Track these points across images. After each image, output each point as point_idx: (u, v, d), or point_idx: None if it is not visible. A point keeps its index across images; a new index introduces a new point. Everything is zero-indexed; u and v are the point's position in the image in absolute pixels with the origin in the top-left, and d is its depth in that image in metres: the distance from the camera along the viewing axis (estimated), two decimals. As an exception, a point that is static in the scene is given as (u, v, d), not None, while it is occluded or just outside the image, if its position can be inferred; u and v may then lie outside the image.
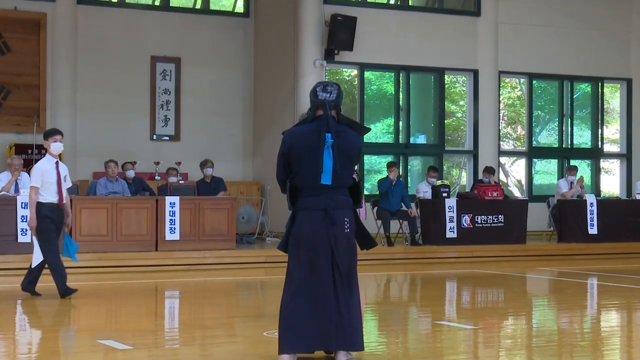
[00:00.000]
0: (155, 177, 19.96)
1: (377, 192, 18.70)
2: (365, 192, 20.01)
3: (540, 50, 22.45)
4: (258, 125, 21.89)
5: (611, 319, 10.67)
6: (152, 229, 16.27)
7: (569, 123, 23.16)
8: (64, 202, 11.60)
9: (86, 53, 20.69)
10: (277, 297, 11.56)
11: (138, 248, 16.11)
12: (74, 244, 12.12)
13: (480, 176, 20.33)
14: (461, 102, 22.93)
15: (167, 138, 21.36)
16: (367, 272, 15.28)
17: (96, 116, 20.75)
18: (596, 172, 23.62)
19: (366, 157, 21.38)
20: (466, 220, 18.42)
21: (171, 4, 21.77)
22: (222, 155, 21.16)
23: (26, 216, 15.41)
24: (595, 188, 23.26)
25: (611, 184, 24.68)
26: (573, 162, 22.47)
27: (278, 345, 7.25)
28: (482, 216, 18.58)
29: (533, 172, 23.25)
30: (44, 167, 11.54)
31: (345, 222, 7.23)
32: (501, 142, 22.67)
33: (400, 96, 21.25)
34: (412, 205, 18.57)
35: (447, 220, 18.23)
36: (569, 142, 23.17)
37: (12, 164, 16.00)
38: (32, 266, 11.85)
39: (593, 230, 19.31)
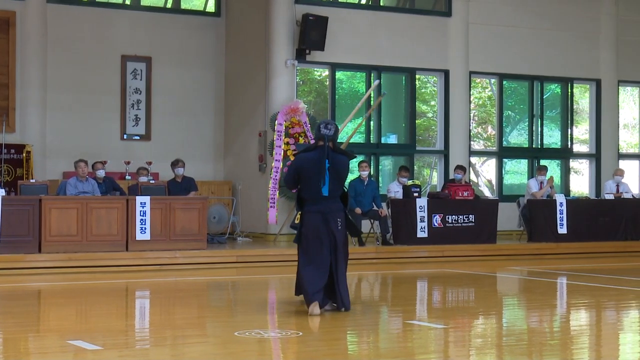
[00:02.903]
0: (126, 177, 19.84)
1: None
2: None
3: (510, 51, 22.54)
4: (229, 125, 21.85)
5: (580, 318, 10.72)
6: (122, 229, 16.20)
7: (539, 123, 23.26)
8: None
9: (56, 52, 20.57)
10: (248, 297, 11.54)
11: (108, 248, 16.03)
12: None
13: (451, 176, 20.38)
14: (432, 102, 22.96)
15: (137, 137, 21.27)
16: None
17: (66, 115, 20.63)
18: (566, 172, 23.74)
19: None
20: (437, 220, 18.46)
21: (142, 3, 21.67)
22: (193, 155, 21.12)
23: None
24: (565, 188, 23.37)
25: (580, 183, 24.82)
26: (543, 162, 22.55)
27: (305, 300, 10.01)
28: (453, 216, 18.63)
29: (503, 172, 23.32)
30: None
31: (338, 222, 10.12)
32: (472, 142, 22.71)
33: (372, 97, 21.26)
34: (383, 205, 18.58)
35: (418, 220, 18.26)
36: (539, 142, 23.26)
37: (-19, 164, 15.90)
38: None
39: (563, 230, 19.40)
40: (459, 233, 18.59)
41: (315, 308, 9.88)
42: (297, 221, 11.94)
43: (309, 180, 10.07)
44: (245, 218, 20.43)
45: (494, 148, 23.21)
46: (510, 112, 23.87)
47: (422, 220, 18.30)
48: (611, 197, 20.51)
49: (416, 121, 22.05)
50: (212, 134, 21.99)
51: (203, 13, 22.21)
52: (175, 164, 18.02)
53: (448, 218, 18.58)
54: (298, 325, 9.26)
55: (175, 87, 21.60)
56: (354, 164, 21.02)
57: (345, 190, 10.42)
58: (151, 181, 18.24)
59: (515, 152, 23.53)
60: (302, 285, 10.12)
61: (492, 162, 23.90)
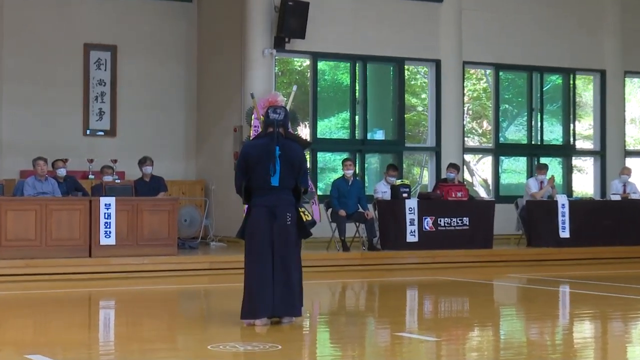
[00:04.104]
0: (89, 176, 19.80)
1: (330, 193, 18.65)
2: (319, 192, 19.98)
3: (507, 39, 22.53)
4: (202, 119, 21.81)
5: (584, 330, 10.75)
6: (85, 233, 16.14)
7: (539, 118, 23.29)
8: None
9: (12, 40, 20.47)
10: (223, 307, 11.54)
11: (70, 254, 15.95)
12: None
13: (443, 175, 20.40)
14: (422, 95, 22.98)
15: (101, 133, 21.21)
16: (321, 279, 15.27)
17: (23, 109, 20.53)
18: (568, 170, 23.78)
19: (319, 154, 21.34)
20: (428, 223, 18.47)
21: (106, -13, 21.64)
22: (162, 153, 21.01)
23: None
24: (567, 188, 23.41)
25: (584, 183, 24.88)
26: (543, 160, 22.61)
27: (247, 310, 9.86)
28: (446, 218, 18.64)
29: (500, 171, 23.35)
30: None
31: (288, 217, 9.97)
32: (466, 139, 22.74)
33: (357, 88, 21.23)
34: (370, 206, 18.58)
35: (408, 223, 18.26)
36: (539, 138, 23.31)
37: None
38: None
39: (565, 234, 19.42)
40: (452, 237, 18.60)
41: (261, 322, 9.82)
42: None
43: (257, 169, 9.93)
44: (219, 221, 20.38)
45: (490, 145, 23.25)
46: (507, 106, 23.91)
47: (411, 224, 18.31)
48: (618, 197, 20.55)
49: (405, 115, 22.02)
50: (183, 130, 21.94)
51: (173, -2, 22.19)
52: (143, 162, 17.98)
53: (440, 221, 18.60)
54: (277, 338, 9.23)
55: (143, 79, 21.53)
56: (337, 162, 21.12)
57: (311, 189, 10.43)
58: (116, 181, 18.23)
59: (512, 149, 23.57)
60: (247, 292, 9.94)
61: (487, 160, 23.95)
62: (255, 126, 19.04)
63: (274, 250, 9.88)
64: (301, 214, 10.42)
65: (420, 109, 23.26)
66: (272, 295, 9.84)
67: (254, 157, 9.95)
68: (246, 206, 10.43)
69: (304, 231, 10.28)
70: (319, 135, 21.00)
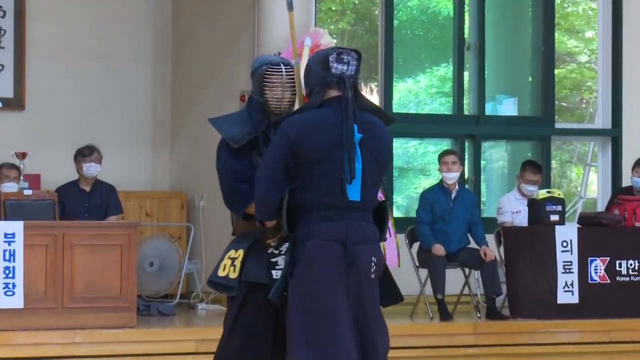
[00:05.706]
0: (-24, 183, 20.03)
1: (416, 213, 18.85)
2: (395, 212, 20.01)
3: None
4: (181, 84, 22.00)
5: None
6: (-31, 288, 16.29)
7: None
8: None
9: None
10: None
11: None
12: None
13: (625, 181, 20.46)
14: (588, 34, 23.06)
15: (-1, 104, 21.47)
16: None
17: None
18: None
19: (397, 142, 21.14)
20: (598, 268, 18.53)
21: None
22: (112, 141, 21.08)
23: None
24: None
25: None
26: None
27: None
28: (631, 261, 18.70)
29: None
30: None
31: (372, 264, 9.08)
32: (668, 114, 22.81)
33: (467, 23, 21.41)
34: (490, 239, 18.78)
35: (560, 269, 18.33)
36: None
37: None
38: None
39: None
40: (642, 295, 18.73)
41: None
42: (227, 273, 11.00)
43: (321, 169, 9.04)
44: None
45: None
46: None
47: (567, 270, 18.37)
48: None
49: (556, 71, 22.14)
50: (148, 102, 22.14)
51: None
52: (84, 154, 18.13)
53: (620, 265, 18.66)
54: None
55: (76, 10, 21.70)
56: (430, 157, 21.16)
57: (387, 196, 9.76)
58: (26, 191, 18.26)
59: None
60: None
61: None
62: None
63: (351, 325, 9.11)
64: None
65: (583, 59, 23.33)
66: None
67: (315, 147, 9.08)
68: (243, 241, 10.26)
69: (392, 293, 9.71)
70: (395, 108, 21.06)
